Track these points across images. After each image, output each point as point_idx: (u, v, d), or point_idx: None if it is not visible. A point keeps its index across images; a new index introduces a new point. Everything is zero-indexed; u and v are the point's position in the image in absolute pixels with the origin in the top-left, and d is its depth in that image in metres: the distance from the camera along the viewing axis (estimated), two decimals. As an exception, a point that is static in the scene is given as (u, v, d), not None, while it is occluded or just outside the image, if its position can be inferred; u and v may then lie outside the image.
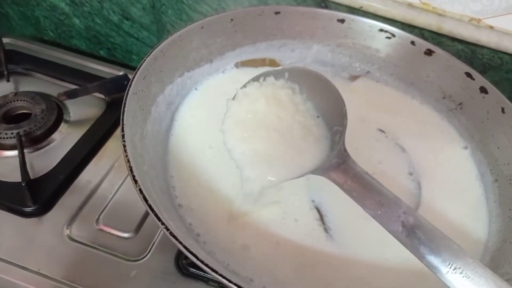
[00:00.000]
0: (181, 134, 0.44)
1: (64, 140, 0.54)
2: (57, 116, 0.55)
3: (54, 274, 0.43)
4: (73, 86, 0.61)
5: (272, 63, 0.56)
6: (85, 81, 0.61)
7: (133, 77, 0.40)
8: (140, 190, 0.31)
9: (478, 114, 0.48)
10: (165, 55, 0.45)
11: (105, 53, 0.74)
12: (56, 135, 0.54)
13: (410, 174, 0.45)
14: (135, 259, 0.45)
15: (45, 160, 0.51)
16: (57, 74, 0.62)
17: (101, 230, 0.47)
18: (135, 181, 0.32)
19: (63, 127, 0.55)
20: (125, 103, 0.37)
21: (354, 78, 0.56)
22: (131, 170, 0.32)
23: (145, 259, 0.45)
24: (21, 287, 0.42)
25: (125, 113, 0.36)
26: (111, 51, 0.73)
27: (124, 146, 0.34)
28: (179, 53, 0.47)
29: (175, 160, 0.42)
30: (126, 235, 0.47)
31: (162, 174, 0.39)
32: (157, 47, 0.44)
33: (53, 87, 0.61)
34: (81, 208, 0.48)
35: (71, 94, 0.57)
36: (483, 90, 0.48)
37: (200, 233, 0.36)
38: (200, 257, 0.28)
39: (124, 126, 0.35)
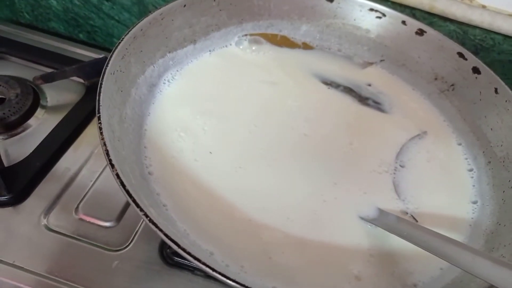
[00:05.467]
0: (158, 113, 0.42)
1: (41, 126, 0.51)
2: (33, 101, 0.53)
3: (30, 266, 0.40)
4: (51, 70, 0.58)
5: (284, 40, 0.54)
6: (63, 65, 0.58)
7: (111, 56, 0.38)
8: (117, 175, 0.29)
9: (471, 95, 0.47)
10: (145, 34, 0.43)
11: (85, 36, 0.71)
12: (32, 121, 0.52)
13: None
14: (117, 249, 0.43)
15: (20, 147, 0.49)
16: (33, 58, 0.59)
17: (80, 219, 0.44)
18: (112, 166, 0.29)
19: (39, 112, 0.53)
20: (101, 83, 0.35)
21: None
22: (107, 154, 0.30)
23: (127, 248, 0.43)
24: (-6, 280, 0.39)
25: (101, 94, 0.34)
26: (91, 34, 0.70)
27: (100, 128, 0.32)
28: (160, 33, 0.45)
29: (150, 135, 0.40)
30: (107, 224, 0.44)
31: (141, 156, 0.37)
32: (136, 25, 0.42)
33: (29, 71, 0.57)
34: (59, 196, 0.46)
35: (48, 78, 0.54)
36: (475, 70, 0.47)
37: (166, 204, 0.35)
38: (182, 245, 0.27)
39: (100, 107, 0.33)
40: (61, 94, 0.55)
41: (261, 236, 0.34)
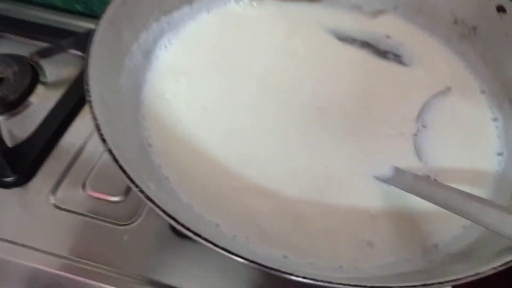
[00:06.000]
0: (156, 80, 0.40)
1: (42, 103, 0.50)
2: (32, 78, 0.51)
3: (41, 245, 0.40)
4: (48, 45, 0.56)
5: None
6: (61, 38, 0.56)
7: (99, 23, 0.35)
8: (110, 151, 0.27)
9: (495, 38, 0.43)
10: (135, -2, 0.40)
11: (82, 7, 0.68)
12: (33, 98, 0.50)
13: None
14: (126, 223, 0.42)
15: (23, 126, 0.48)
16: (30, 33, 0.57)
17: (89, 195, 0.44)
18: (103, 140, 0.28)
19: (39, 89, 0.51)
20: (89, 53, 0.32)
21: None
22: (98, 128, 0.28)
23: (137, 222, 0.42)
24: (3, 261, 0.39)
25: (90, 65, 0.32)
26: (88, 5, 0.67)
27: (90, 101, 0.30)
28: (152, -5, 0.42)
29: (148, 104, 0.38)
30: (115, 198, 0.43)
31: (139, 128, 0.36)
32: (125, -12, 0.39)
33: (26, 47, 0.55)
34: (65, 173, 0.45)
35: (45, 53, 0.52)
36: (500, 8, 0.42)
37: (168, 176, 0.33)
38: (180, 220, 0.25)
39: (89, 79, 0.31)
40: (60, 69, 0.54)
41: (261, 204, 0.32)
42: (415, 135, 0.38)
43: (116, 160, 0.27)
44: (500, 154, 0.38)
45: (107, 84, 0.34)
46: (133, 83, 0.38)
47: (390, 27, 0.49)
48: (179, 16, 0.45)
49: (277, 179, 0.34)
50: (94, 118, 0.29)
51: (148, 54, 0.41)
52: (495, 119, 0.40)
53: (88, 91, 0.30)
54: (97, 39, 0.34)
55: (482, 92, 0.43)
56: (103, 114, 0.30)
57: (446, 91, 0.42)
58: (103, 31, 0.35)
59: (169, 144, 0.36)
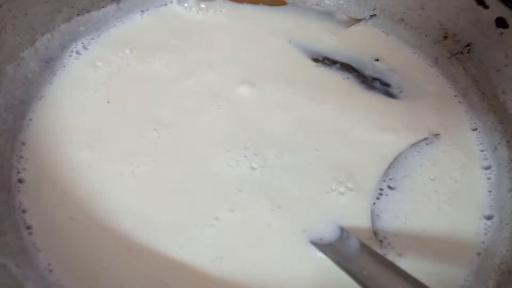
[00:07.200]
0: (56, 95, 0.32)
1: None
2: None
3: None
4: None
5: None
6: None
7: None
8: None
9: (493, 58, 0.34)
10: (31, -9, 0.32)
11: None
12: None
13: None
14: None
15: None
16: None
17: None
18: None
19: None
20: None
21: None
22: None
23: None
24: None
25: None
26: None
27: None
28: (59, -12, 0.34)
29: (36, 127, 0.30)
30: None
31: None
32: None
33: None
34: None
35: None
36: (501, 22, 0.33)
37: (31, 225, 0.25)
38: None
39: None
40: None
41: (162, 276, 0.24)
42: (377, 198, 0.28)
43: None
44: (489, 217, 0.28)
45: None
46: (17, 99, 0.30)
47: (366, 40, 0.39)
48: (101, 17, 0.37)
49: (187, 251, 0.25)
50: None
51: (49, 62, 0.33)
52: (487, 168, 0.31)
53: None
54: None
55: (474, 129, 0.33)
56: None
57: (432, 139, 0.32)
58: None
59: (45, 182, 0.27)
